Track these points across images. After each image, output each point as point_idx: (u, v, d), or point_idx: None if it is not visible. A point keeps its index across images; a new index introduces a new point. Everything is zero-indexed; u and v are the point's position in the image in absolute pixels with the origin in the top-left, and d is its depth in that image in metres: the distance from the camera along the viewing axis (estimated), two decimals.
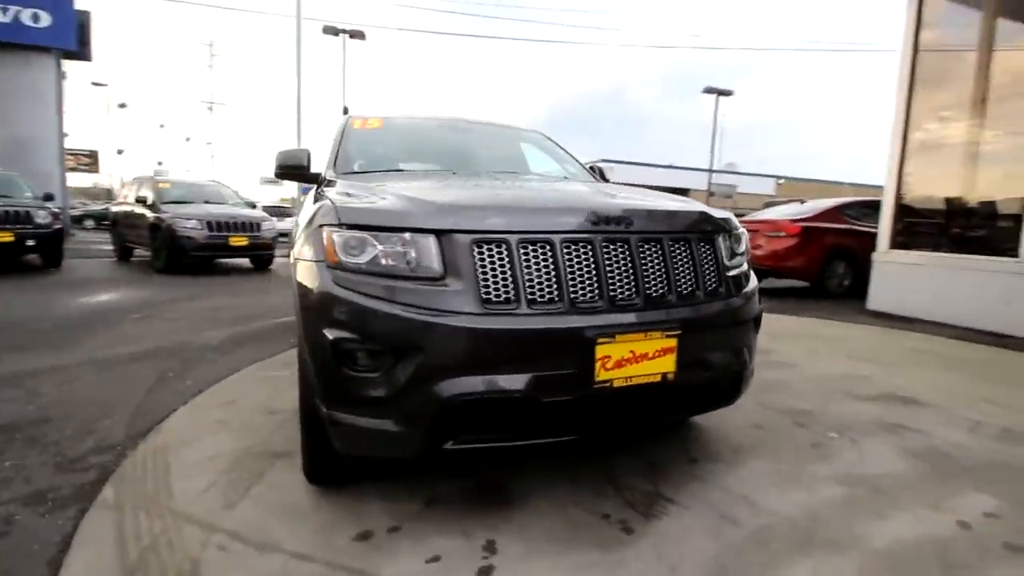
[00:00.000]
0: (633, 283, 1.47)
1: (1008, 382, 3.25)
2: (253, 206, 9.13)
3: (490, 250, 1.38)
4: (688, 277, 1.58)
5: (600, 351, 1.36)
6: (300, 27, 11.36)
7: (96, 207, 31.03)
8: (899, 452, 2.19)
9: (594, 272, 1.44)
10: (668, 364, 1.46)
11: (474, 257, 1.36)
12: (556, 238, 1.42)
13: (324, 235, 1.47)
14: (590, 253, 1.44)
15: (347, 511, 1.70)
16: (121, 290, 6.27)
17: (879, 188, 5.62)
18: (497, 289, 1.36)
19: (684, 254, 1.59)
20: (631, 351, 1.40)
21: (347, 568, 1.44)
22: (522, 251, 1.39)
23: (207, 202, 8.45)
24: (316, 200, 2.13)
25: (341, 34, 16.47)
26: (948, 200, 5.21)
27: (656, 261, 1.53)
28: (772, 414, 2.54)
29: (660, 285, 1.52)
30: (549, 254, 1.41)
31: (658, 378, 1.45)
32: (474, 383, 1.32)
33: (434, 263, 1.37)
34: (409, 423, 1.35)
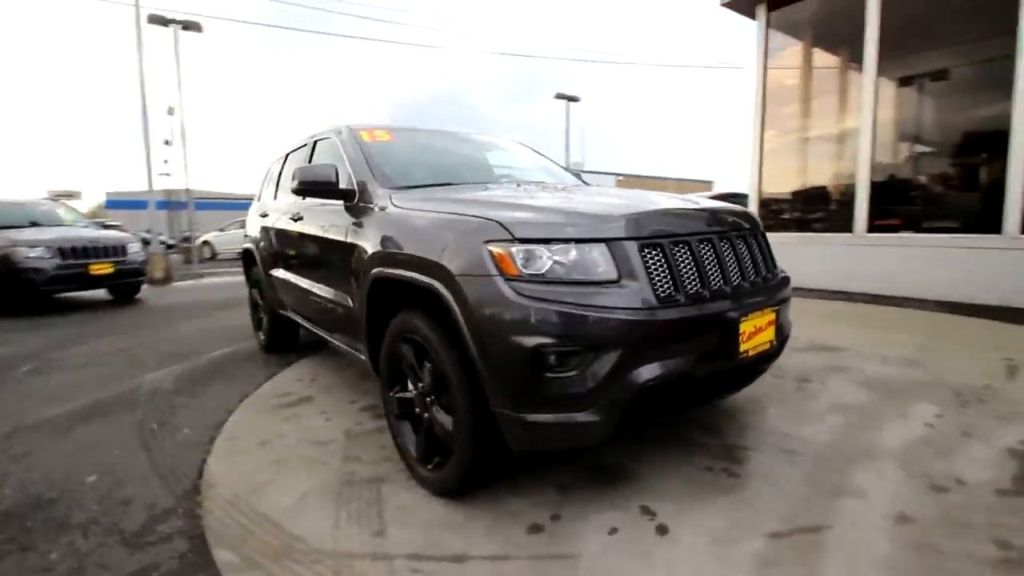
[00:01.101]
0: (739, 271, 1.82)
1: (876, 326, 4.34)
2: (106, 226, 7.69)
3: (651, 253, 1.61)
4: (762, 263, 1.98)
5: (743, 328, 1.68)
6: (139, 17, 9.67)
7: None
8: (853, 384, 2.89)
9: (717, 264, 1.75)
10: (772, 334, 1.84)
11: (642, 260, 1.58)
12: (692, 239, 1.70)
13: (495, 249, 1.55)
14: (712, 249, 1.75)
15: (497, 513, 1.78)
16: None
17: (700, 182, 6.90)
18: (663, 286, 1.59)
19: (756, 245, 1.98)
20: (755, 326, 1.74)
21: (551, 555, 1.56)
22: (672, 251, 1.64)
23: (34, 224, 6.91)
24: (374, 216, 2.11)
25: (172, 24, 14.37)
26: (797, 190, 6.60)
27: (745, 252, 1.90)
28: None
29: (752, 271, 1.89)
30: (689, 253, 1.68)
31: (768, 346, 1.82)
32: (660, 368, 1.54)
33: (610, 268, 1.55)
34: (607, 412, 1.52)
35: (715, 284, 1.71)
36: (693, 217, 1.80)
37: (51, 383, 3.48)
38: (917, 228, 5.42)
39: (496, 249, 1.55)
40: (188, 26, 14.67)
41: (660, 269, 1.61)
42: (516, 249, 1.54)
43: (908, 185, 5.72)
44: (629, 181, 44.89)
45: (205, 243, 18.44)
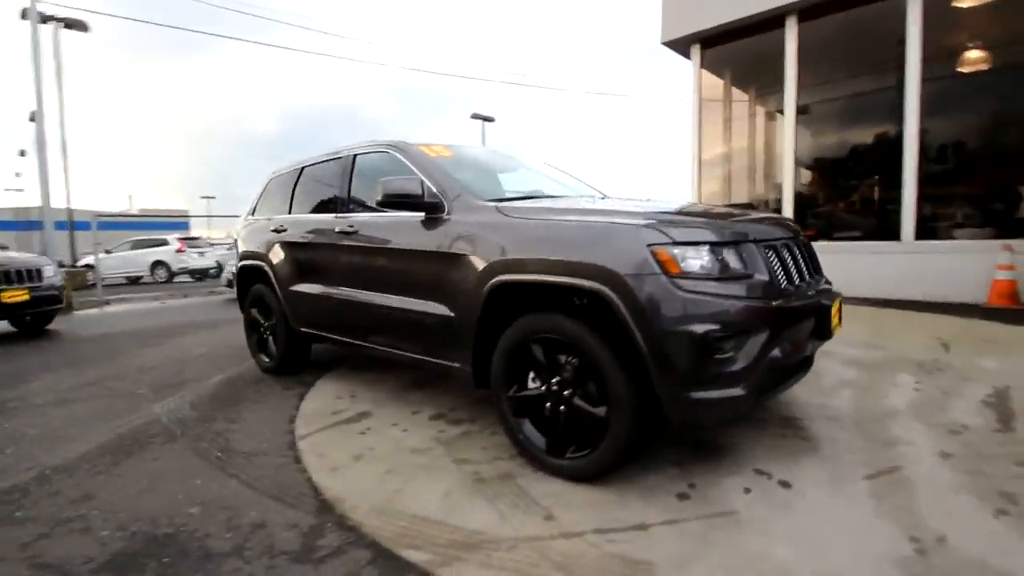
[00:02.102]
0: (806, 270, 2.22)
1: None
2: (4, 247, 6.62)
3: (768, 253, 1.94)
4: (817, 263, 2.41)
5: (832, 313, 2.06)
6: (35, 15, 8.41)
7: None
8: (842, 364, 3.47)
9: (801, 263, 2.14)
10: (838, 318, 2.25)
11: (764, 259, 1.91)
12: (788, 241, 2.07)
13: (659, 251, 1.78)
14: (796, 252, 2.14)
15: (640, 488, 1.98)
16: None
17: None
18: (779, 279, 1.93)
19: (810, 249, 2.41)
20: (834, 312, 2.14)
21: (713, 514, 1.80)
22: (780, 251, 1.99)
23: None
24: (483, 228, 2.26)
25: (52, 22, 12.66)
26: (731, 205, 7.53)
27: (808, 254, 2.31)
28: None
29: (815, 270, 2.30)
30: (788, 254, 2.05)
31: (839, 328, 2.23)
32: (787, 347, 1.87)
33: (744, 265, 1.85)
34: (752, 387, 1.80)
35: (800, 279, 2.09)
36: (780, 225, 2.18)
37: (38, 424, 3.03)
38: (830, 237, 6.47)
39: (660, 251, 1.79)
40: (72, 24, 13.06)
41: (776, 266, 1.95)
42: (677, 251, 1.79)
43: (823, 202, 6.82)
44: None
45: (87, 267, 16.16)
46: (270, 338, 3.90)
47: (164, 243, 15.68)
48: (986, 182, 6.01)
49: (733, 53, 7.27)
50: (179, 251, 15.41)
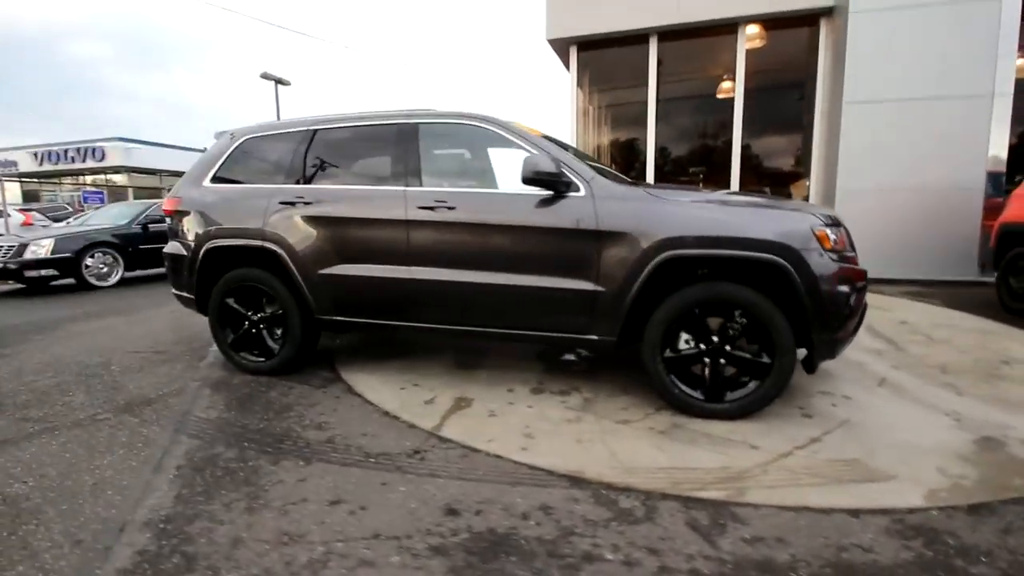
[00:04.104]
0: None
1: None
2: None
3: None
4: None
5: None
6: None
7: None
8: None
9: None
10: None
11: (849, 237, 2.66)
12: None
13: (819, 232, 2.35)
14: None
15: (774, 417, 2.57)
16: None
17: None
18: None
19: None
20: None
21: (840, 423, 2.50)
22: None
23: None
24: (641, 207, 2.53)
25: None
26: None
27: None
28: None
29: None
30: None
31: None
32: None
33: (847, 241, 2.57)
34: (856, 327, 2.56)
35: None
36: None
37: (17, 475, 2.03)
38: None
39: (819, 231, 2.37)
40: None
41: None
42: (830, 231, 2.39)
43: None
44: None
45: None
46: (264, 333, 3.25)
47: None
48: (767, 185, 8.37)
49: (592, 58, 8.34)
50: None
